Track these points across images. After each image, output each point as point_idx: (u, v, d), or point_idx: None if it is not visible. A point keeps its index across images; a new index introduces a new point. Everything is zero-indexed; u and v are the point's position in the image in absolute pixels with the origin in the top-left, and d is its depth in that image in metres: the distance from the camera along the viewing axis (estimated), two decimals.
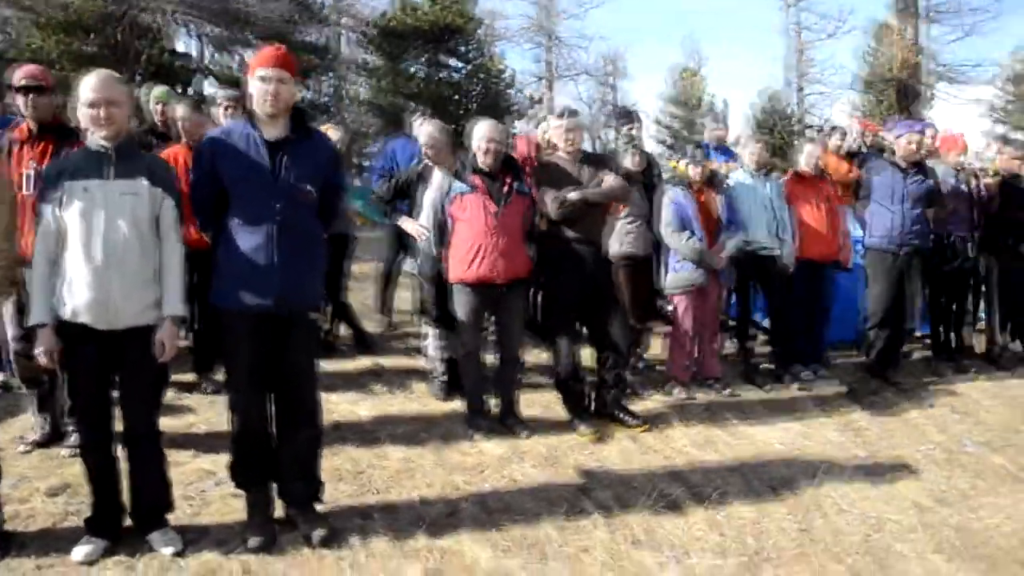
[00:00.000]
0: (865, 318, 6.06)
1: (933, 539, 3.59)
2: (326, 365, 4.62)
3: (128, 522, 3.13)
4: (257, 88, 3.05)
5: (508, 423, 4.59)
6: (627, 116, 6.41)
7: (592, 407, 4.85)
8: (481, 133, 4.37)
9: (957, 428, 5.22)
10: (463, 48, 20.96)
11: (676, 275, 5.41)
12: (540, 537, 3.37)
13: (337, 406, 4.91)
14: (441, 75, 20.54)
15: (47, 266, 2.90)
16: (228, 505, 3.46)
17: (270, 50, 3.14)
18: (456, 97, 20.10)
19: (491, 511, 3.60)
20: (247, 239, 3.02)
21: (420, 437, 4.44)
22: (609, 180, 4.59)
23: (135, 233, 2.90)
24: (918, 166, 5.93)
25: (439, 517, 3.50)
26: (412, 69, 20.48)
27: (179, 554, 3.02)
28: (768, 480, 4.14)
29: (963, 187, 6.32)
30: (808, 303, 5.95)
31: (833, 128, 7.98)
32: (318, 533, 3.16)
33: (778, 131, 34.42)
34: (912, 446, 4.83)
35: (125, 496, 3.12)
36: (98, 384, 2.99)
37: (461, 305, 4.45)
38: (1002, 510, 3.96)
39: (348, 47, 21.41)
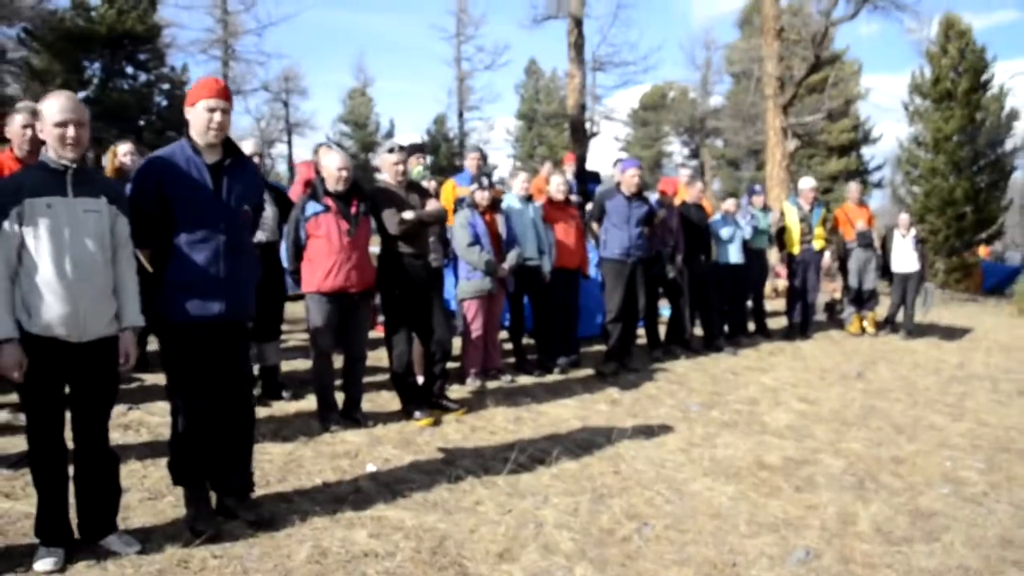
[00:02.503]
0: (604, 316, 7.48)
1: (699, 467, 4.97)
2: None
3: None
4: (203, 117, 3.39)
5: (355, 416, 5.15)
6: (419, 149, 7.22)
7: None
8: (336, 163, 4.93)
9: (680, 395, 6.82)
10: (142, 56, 19.88)
11: (469, 283, 6.31)
12: (439, 499, 4.08)
13: None
14: (120, 82, 19.27)
15: (7, 281, 2.95)
16: (154, 507, 3.68)
17: (215, 82, 3.46)
18: (137, 106, 19.00)
19: (386, 484, 4.22)
20: (196, 256, 3.33)
21: (284, 434, 4.83)
22: (433, 204, 5.40)
23: (99, 248, 3.07)
24: (640, 195, 7.48)
25: (348, 494, 4.04)
26: (88, 74, 18.95)
27: (142, 552, 3.22)
28: (576, 443, 5.24)
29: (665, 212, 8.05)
30: (563, 305, 7.21)
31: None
32: (260, 516, 3.56)
33: (443, 152, 37.11)
34: (658, 410, 6.29)
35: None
36: (56, 395, 3.11)
37: (317, 313, 4.94)
38: (731, 445, 5.50)
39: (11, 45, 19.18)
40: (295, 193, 6.31)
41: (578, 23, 15.72)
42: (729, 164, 39.10)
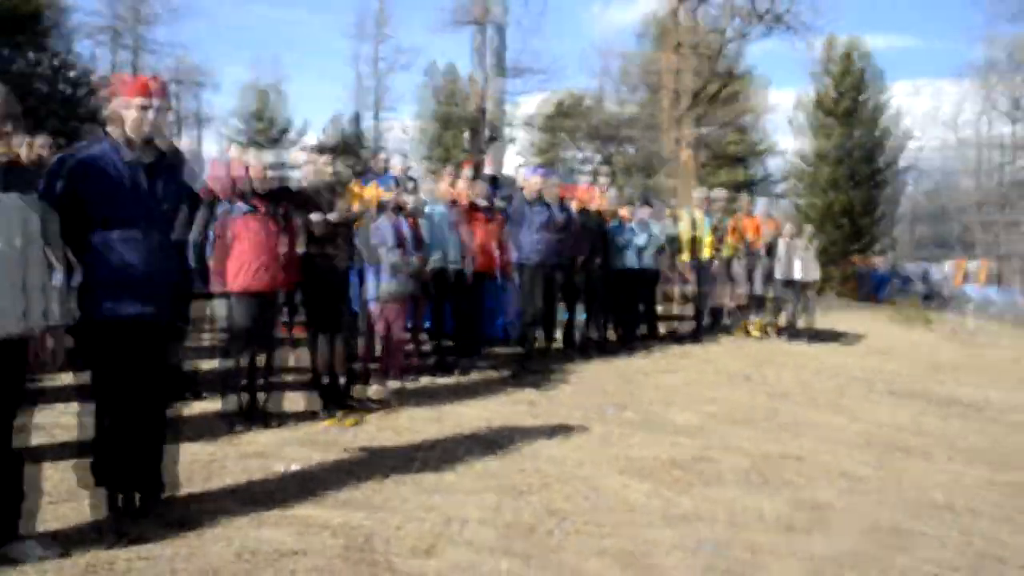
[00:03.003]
0: (520, 319, 7.64)
1: (614, 465, 5.15)
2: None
3: None
4: (135, 115, 3.33)
5: (271, 416, 5.13)
6: (332, 150, 7.21)
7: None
8: (263, 163, 4.90)
9: (594, 397, 7.02)
10: (41, 40, 18.87)
11: (388, 285, 6.33)
12: (362, 497, 4.12)
13: None
14: (14, 67, 18.20)
15: None
16: (74, 511, 3.59)
17: (151, 80, 3.42)
18: (36, 93, 17.97)
19: (308, 484, 4.22)
20: (126, 255, 3.28)
21: (190, 435, 4.73)
22: (345, 206, 5.44)
23: (7, 246, 2.97)
24: (542, 201, 7.66)
25: (270, 493, 4.03)
26: None
27: (64, 555, 3.13)
28: (495, 442, 5.35)
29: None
30: (476, 307, 7.33)
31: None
32: (182, 516, 3.53)
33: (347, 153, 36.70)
34: (573, 411, 6.46)
35: None
36: None
37: (242, 312, 4.89)
38: (645, 445, 5.71)
39: None
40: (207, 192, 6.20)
41: (483, 29, 15.92)
42: (636, 172, 39.99)
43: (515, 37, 28.73)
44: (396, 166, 7.81)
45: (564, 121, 40.82)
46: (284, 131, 37.40)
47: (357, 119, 38.45)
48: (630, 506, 4.46)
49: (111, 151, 3.34)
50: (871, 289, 22.24)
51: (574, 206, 8.44)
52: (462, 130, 39.82)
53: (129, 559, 3.18)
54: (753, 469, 5.37)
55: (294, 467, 4.45)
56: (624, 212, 9.38)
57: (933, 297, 21.45)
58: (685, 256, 10.22)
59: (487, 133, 21.02)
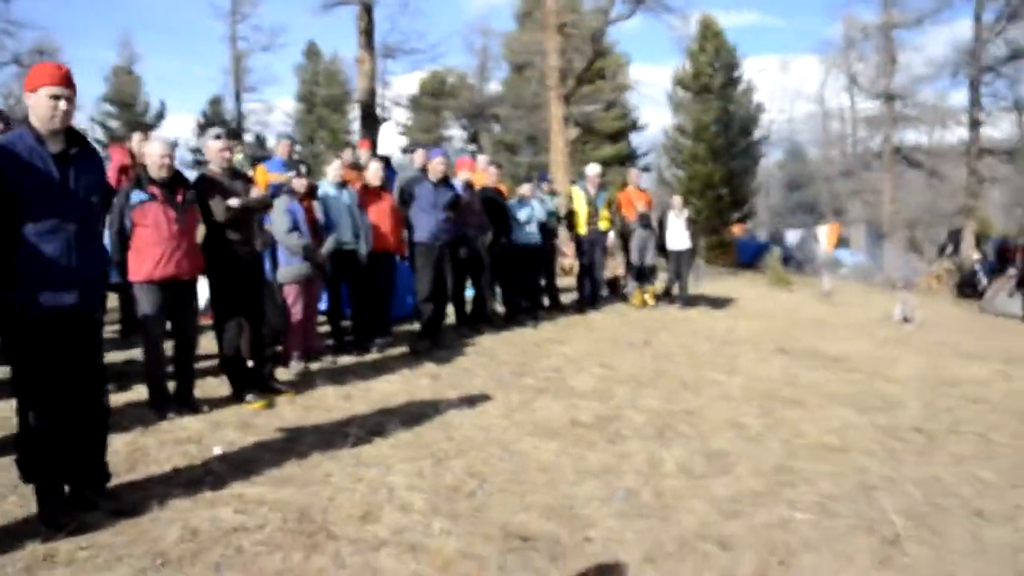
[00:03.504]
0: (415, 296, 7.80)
1: (522, 429, 5.46)
2: None
3: None
4: (46, 104, 3.31)
5: (189, 402, 5.13)
6: (236, 136, 7.10)
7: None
8: (157, 150, 4.84)
9: (491, 367, 7.30)
10: None
11: (288, 268, 6.37)
12: (291, 474, 4.25)
13: None
14: None
15: None
16: None
17: (57, 68, 3.35)
18: None
19: (237, 465, 4.31)
20: (47, 247, 3.25)
21: (122, 425, 4.67)
22: (257, 191, 5.46)
23: None
24: (445, 181, 7.84)
25: (202, 476, 4.10)
26: None
27: (1, 552, 3.13)
28: (407, 415, 5.54)
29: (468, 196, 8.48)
30: (379, 287, 7.44)
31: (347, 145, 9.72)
32: (122, 504, 3.57)
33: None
34: (474, 381, 6.74)
35: None
36: None
37: (148, 302, 4.84)
38: (546, 408, 6.05)
39: None
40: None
41: (368, 10, 15.78)
42: (507, 149, 40.48)
43: (389, 17, 28.66)
44: (285, 149, 7.75)
45: (439, 100, 40.91)
46: (159, 115, 35.77)
47: (218, 101, 37.14)
48: (543, 465, 4.76)
49: (28, 141, 3.30)
50: (748, 256, 23.51)
51: (475, 184, 8.65)
52: (335, 109, 39.29)
53: (70, 550, 3.22)
54: (650, 424, 5.80)
55: (218, 450, 4.51)
56: (523, 189, 9.65)
57: (791, 261, 22.86)
58: (583, 229, 10.59)
59: (380, 113, 20.88)
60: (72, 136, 3.46)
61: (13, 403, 3.44)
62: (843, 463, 5.16)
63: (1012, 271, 14.82)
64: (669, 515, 4.12)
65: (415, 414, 5.56)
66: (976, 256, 20.57)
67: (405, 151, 10.11)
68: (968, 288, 18.28)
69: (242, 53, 36.48)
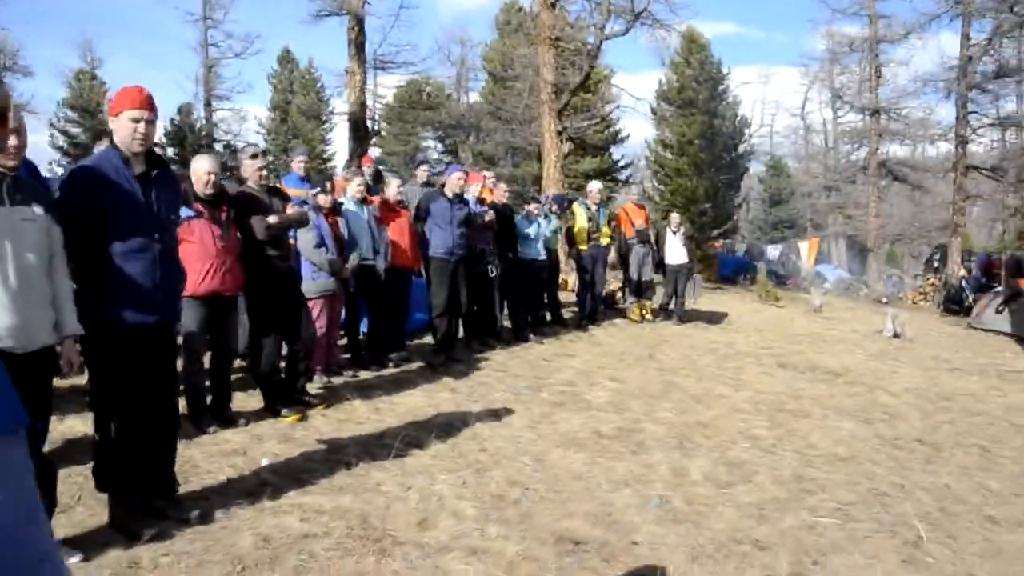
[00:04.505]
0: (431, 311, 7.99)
1: (549, 441, 5.66)
2: None
3: None
4: (128, 128, 3.48)
5: (227, 415, 5.28)
6: (264, 153, 7.26)
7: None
8: (204, 167, 5.00)
9: (507, 381, 7.50)
10: None
11: (313, 283, 6.54)
12: (342, 483, 4.42)
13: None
14: None
15: None
16: (68, 519, 3.70)
17: (139, 92, 3.52)
18: None
19: (288, 475, 4.47)
20: (133, 266, 3.42)
21: None
22: (294, 208, 5.63)
23: (38, 258, 3.11)
24: (460, 197, 8.05)
25: (257, 486, 4.25)
26: None
27: (86, 559, 3.27)
28: (438, 427, 5.72)
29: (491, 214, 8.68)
30: (396, 303, 7.62)
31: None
32: (195, 513, 3.73)
33: (189, 144, 35.28)
34: (493, 394, 6.92)
35: None
36: None
37: (192, 317, 4.99)
38: (568, 421, 6.25)
39: None
40: None
41: (360, 21, 15.95)
42: (486, 161, 40.70)
43: (379, 28, 28.75)
44: (301, 165, 7.91)
45: (416, 110, 40.91)
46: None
47: (187, 108, 36.88)
48: (576, 474, 4.97)
49: (115, 162, 3.47)
50: (729, 271, 23.85)
51: (487, 200, 8.86)
52: (310, 118, 39.29)
53: (152, 557, 3.36)
54: (668, 435, 6.02)
55: (265, 461, 4.66)
56: (531, 206, 9.87)
57: (771, 276, 23.23)
58: (584, 245, 10.82)
59: (371, 127, 21.01)
60: (152, 157, 3.63)
61: (77, 416, 3.59)
62: (855, 472, 5.41)
63: (998, 288, 15.24)
64: (702, 520, 4.33)
65: (445, 426, 5.75)
66: (962, 272, 21.06)
67: (417, 165, 10.19)
68: (954, 304, 18.72)
69: (213, 60, 36.39)
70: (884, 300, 21.36)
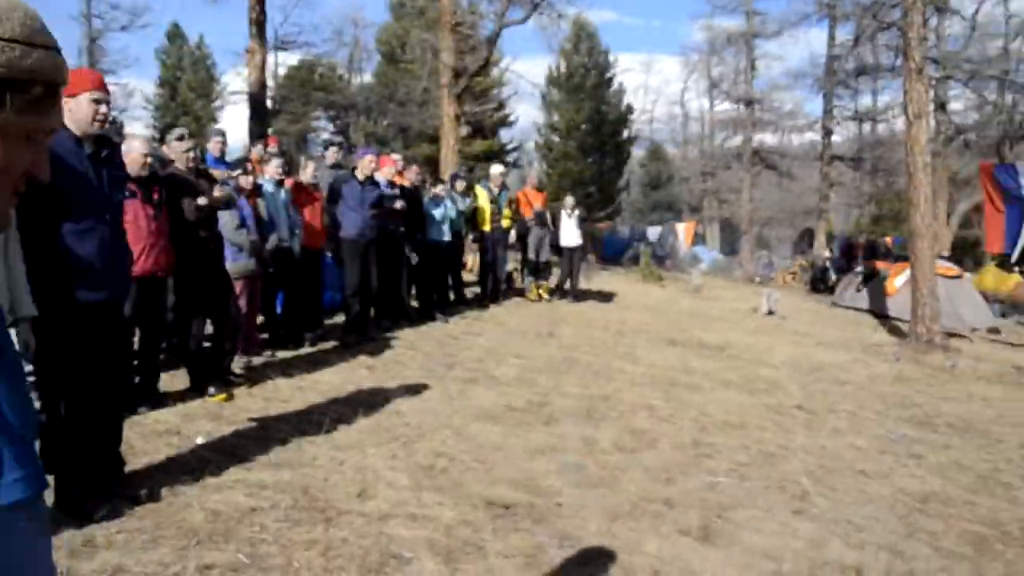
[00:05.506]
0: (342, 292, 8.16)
1: (466, 414, 5.98)
2: None
3: None
4: (88, 108, 3.55)
5: (155, 396, 5.34)
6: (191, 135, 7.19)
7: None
8: (139, 148, 5.00)
9: (419, 359, 7.77)
10: None
11: (235, 264, 6.59)
12: (279, 459, 4.60)
13: None
14: None
15: None
16: None
17: (94, 74, 3.60)
18: None
19: (225, 452, 4.62)
20: (85, 245, 3.50)
21: None
22: (220, 189, 5.70)
23: (4, 238, 3.18)
24: (371, 180, 8.22)
25: (196, 465, 4.37)
26: None
27: None
28: (360, 403, 5.94)
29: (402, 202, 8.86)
30: (310, 283, 7.74)
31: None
32: (143, 491, 3.85)
33: None
34: (408, 371, 7.18)
35: None
36: None
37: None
38: (482, 396, 6.59)
39: None
40: None
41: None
42: (378, 142, 40.37)
43: (281, 8, 27.91)
44: (218, 146, 7.88)
45: (307, 90, 40.05)
46: None
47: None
48: (495, 445, 5.32)
49: (67, 142, 3.53)
50: (613, 252, 24.73)
51: (396, 183, 9.04)
52: (200, 95, 37.93)
53: (107, 535, 3.47)
54: (576, 408, 6.45)
55: (200, 440, 4.79)
56: (438, 189, 10.10)
57: (656, 256, 24.27)
58: (486, 227, 11.14)
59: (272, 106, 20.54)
60: (100, 137, 3.71)
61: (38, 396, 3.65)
62: (745, 437, 6.00)
63: (858, 269, 16.58)
64: (615, 484, 4.77)
65: (367, 402, 5.98)
66: (827, 254, 22.68)
67: (326, 147, 10.26)
68: (820, 284, 20.17)
69: (97, 31, 34.60)
70: (757, 280, 22.76)
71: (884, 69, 23.83)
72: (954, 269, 14.45)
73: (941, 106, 23.20)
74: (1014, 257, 12.84)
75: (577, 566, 3.63)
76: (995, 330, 13.40)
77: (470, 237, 11.62)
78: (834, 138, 27.30)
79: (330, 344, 7.84)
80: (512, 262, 13.49)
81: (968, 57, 22.70)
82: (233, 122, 41.64)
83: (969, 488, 5.24)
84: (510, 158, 37.62)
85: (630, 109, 29.43)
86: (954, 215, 25.11)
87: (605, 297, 13.80)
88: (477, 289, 11.90)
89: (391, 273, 9.03)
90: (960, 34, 24.16)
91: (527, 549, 3.74)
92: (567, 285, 12.79)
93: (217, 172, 7.08)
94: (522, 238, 12.39)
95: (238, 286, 6.62)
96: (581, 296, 12.87)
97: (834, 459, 5.60)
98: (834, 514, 4.53)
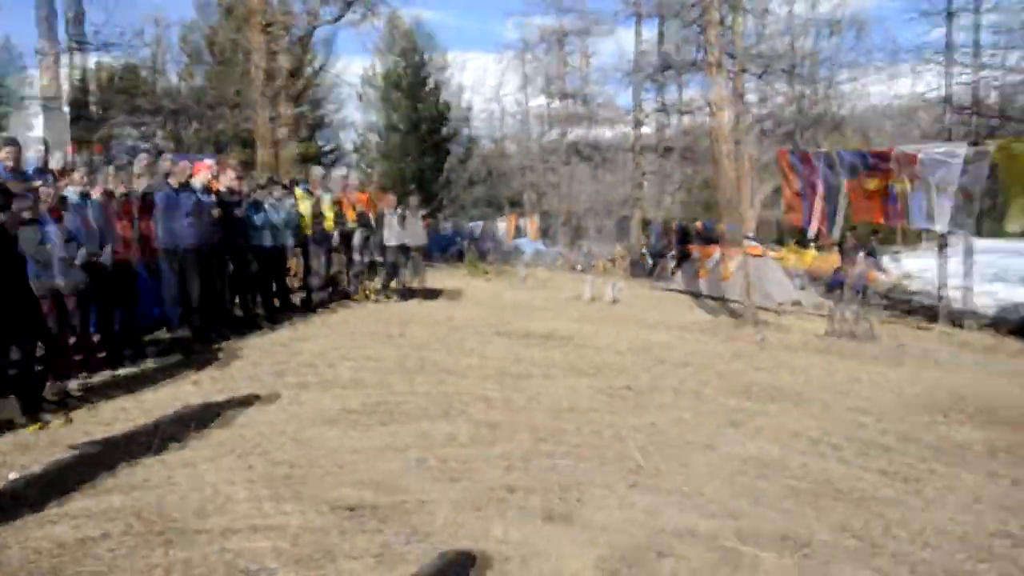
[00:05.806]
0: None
1: (303, 420, 5.91)
2: None
3: None
4: None
5: None
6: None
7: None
8: None
9: (247, 368, 7.55)
10: None
11: (39, 283, 6.09)
12: (112, 484, 4.37)
13: None
14: None
15: None
16: None
17: None
18: None
19: (46, 485, 4.33)
20: None
21: None
22: (19, 202, 5.31)
23: None
24: (187, 186, 7.89)
25: (8, 503, 4.08)
26: None
27: None
28: (193, 419, 5.71)
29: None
30: (125, 297, 7.33)
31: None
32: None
33: None
34: (239, 382, 6.97)
35: None
36: None
37: None
38: (317, 401, 6.51)
39: None
40: None
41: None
42: (214, 148, 38.19)
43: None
44: (11, 155, 7.21)
45: (110, 93, 37.22)
46: None
47: None
48: (336, 447, 5.30)
49: None
50: (437, 249, 24.84)
51: (213, 188, 8.69)
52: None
53: None
54: (413, 405, 6.50)
55: (23, 473, 4.47)
56: (257, 194, 9.79)
57: (480, 251, 24.69)
58: (308, 230, 10.92)
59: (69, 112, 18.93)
60: None
61: None
62: (579, 419, 6.29)
63: (672, 253, 17.68)
64: (458, 476, 4.88)
65: (198, 417, 5.76)
66: (643, 240, 23.95)
67: (134, 154, 9.76)
68: (638, 268, 21.29)
69: None
70: (579, 268, 23.66)
71: (687, 64, 25.49)
72: (758, 248, 15.72)
73: (740, 97, 25.15)
74: (810, 234, 14.16)
75: (427, 559, 3.72)
76: (797, 303, 14.72)
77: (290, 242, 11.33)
78: (644, 129, 28.94)
79: (151, 361, 7.46)
80: (336, 264, 13.31)
81: (760, 52, 24.72)
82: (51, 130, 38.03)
83: (800, 451, 5.75)
84: (328, 160, 36.93)
85: (447, 107, 29.68)
86: (756, 197, 27.22)
87: (430, 294, 13.91)
88: (303, 294, 11.66)
89: (212, 282, 8.70)
90: (751, 31, 26.23)
91: (375, 548, 3.79)
92: (393, 284, 12.79)
93: (13, 184, 6.56)
94: (347, 239, 12.25)
95: (45, 305, 6.17)
96: (409, 294, 12.92)
97: (662, 434, 6.00)
98: (668, 485, 4.88)
